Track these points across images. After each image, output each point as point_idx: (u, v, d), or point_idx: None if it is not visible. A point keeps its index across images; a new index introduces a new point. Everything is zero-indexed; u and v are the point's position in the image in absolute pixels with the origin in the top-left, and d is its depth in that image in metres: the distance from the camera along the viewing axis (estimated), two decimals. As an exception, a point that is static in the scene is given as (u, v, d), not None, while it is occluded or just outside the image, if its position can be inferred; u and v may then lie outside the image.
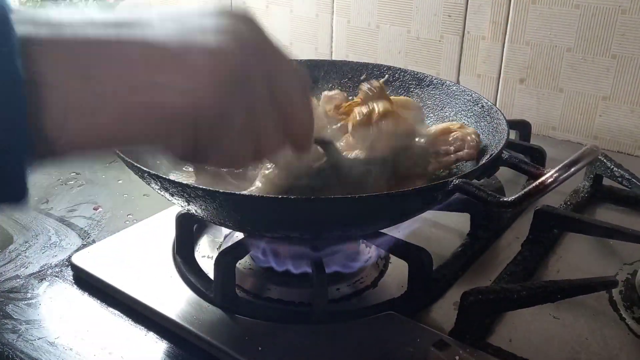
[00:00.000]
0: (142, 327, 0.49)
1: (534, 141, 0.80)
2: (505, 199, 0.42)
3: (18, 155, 0.26)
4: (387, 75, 0.73)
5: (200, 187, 0.42)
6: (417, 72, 0.71)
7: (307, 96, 0.38)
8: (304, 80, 0.38)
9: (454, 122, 0.61)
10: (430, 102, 0.68)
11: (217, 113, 0.31)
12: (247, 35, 0.33)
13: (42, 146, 0.27)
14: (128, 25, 0.30)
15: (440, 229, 0.63)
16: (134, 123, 0.30)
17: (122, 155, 0.47)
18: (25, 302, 0.51)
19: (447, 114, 0.66)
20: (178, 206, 0.50)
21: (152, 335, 0.48)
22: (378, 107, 0.57)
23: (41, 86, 0.26)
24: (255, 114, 0.33)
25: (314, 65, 0.74)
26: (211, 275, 0.52)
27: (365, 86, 0.60)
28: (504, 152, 0.51)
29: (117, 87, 0.29)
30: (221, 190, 0.42)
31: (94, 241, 0.61)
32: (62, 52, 0.27)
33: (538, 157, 0.73)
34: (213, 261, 0.49)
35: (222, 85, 0.31)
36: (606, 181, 0.71)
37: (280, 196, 0.42)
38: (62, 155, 0.29)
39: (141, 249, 0.57)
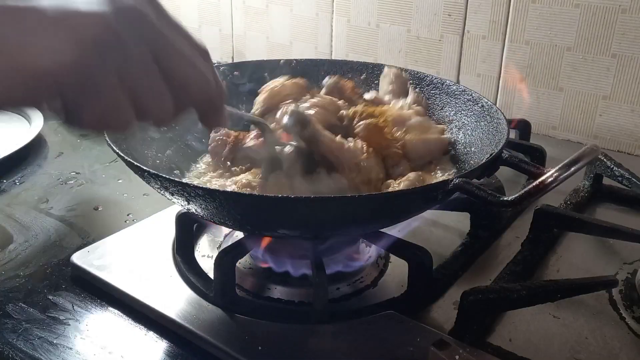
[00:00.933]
0: (142, 327, 0.49)
1: (534, 140, 0.80)
2: (505, 198, 0.42)
3: None
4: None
5: (200, 186, 0.42)
6: (417, 72, 0.71)
7: (204, 63, 0.38)
8: (198, 47, 0.38)
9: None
10: (430, 102, 0.68)
11: (82, 73, 0.31)
12: (128, 3, 0.33)
13: None
14: None
15: (440, 228, 0.63)
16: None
17: (122, 154, 0.47)
18: (25, 301, 0.51)
19: (447, 113, 0.66)
20: (178, 205, 0.50)
21: (152, 335, 0.48)
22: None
23: None
24: (129, 75, 0.33)
25: (314, 65, 0.74)
26: (211, 275, 0.52)
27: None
28: (504, 151, 0.51)
29: None
30: (221, 190, 0.42)
31: (93, 240, 0.61)
32: None
33: (538, 157, 0.73)
34: (213, 261, 0.49)
35: (87, 46, 0.31)
36: (606, 180, 0.71)
37: (280, 195, 0.42)
38: None
39: (141, 249, 0.57)
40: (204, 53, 0.38)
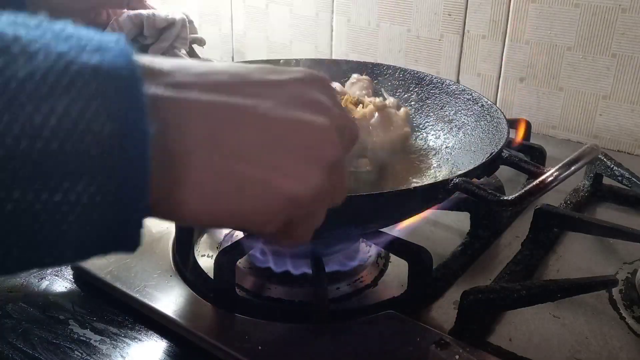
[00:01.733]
0: (142, 327, 0.49)
1: (534, 140, 0.80)
2: (505, 198, 0.42)
3: (141, 210, 0.26)
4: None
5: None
6: (417, 71, 0.71)
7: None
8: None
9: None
10: (430, 101, 0.68)
11: (317, 196, 0.30)
12: (335, 112, 0.32)
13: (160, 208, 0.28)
14: (235, 86, 0.29)
15: (440, 228, 0.63)
16: (251, 207, 0.29)
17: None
18: (25, 301, 0.51)
19: (447, 112, 0.66)
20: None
21: (152, 335, 0.48)
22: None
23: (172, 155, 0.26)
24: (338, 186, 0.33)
25: (314, 64, 0.74)
26: (211, 275, 0.52)
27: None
28: (504, 150, 0.51)
29: (241, 163, 0.28)
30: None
31: (93, 240, 0.61)
32: (194, 118, 0.27)
33: (538, 156, 0.73)
34: (213, 260, 0.49)
35: (326, 170, 0.30)
36: (606, 180, 0.71)
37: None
38: (173, 218, 0.30)
39: (141, 248, 0.57)
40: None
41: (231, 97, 0.28)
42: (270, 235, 0.32)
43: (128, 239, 0.27)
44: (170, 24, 0.86)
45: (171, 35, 0.86)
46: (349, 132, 0.34)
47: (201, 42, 0.91)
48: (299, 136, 0.30)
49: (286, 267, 0.53)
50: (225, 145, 0.27)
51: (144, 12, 0.85)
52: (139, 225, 0.27)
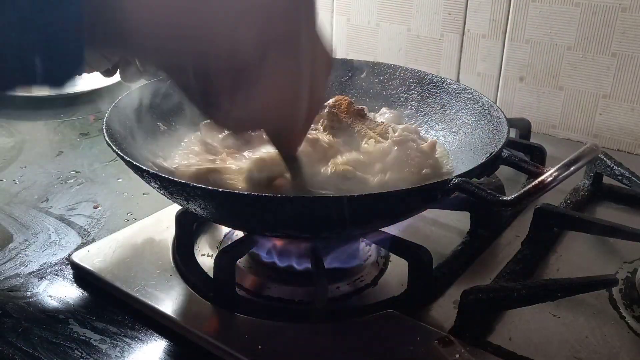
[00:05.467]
0: (142, 326, 0.49)
1: (534, 139, 0.80)
2: (504, 198, 0.42)
3: (74, 29, 0.27)
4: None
5: (200, 186, 0.42)
6: (418, 71, 0.71)
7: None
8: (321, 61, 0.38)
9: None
10: (430, 101, 0.68)
11: (250, 63, 0.31)
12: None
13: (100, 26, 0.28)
14: None
15: (440, 227, 0.63)
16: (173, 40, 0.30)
17: (121, 154, 0.47)
18: (25, 300, 0.51)
19: (447, 112, 0.66)
20: (178, 205, 0.50)
21: (152, 334, 0.48)
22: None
23: None
24: (286, 81, 0.33)
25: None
26: (211, 274, 0.51)
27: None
28: (504, 150, 0.51)
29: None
30: (220, 190, 0.42)
31: (93, 240, 0.61)
32: None
33: (538, 156, 0.73)
34: (213, 260, 0.49)
35: (266, 39, 0.31)
36: (606, 179, 0.71)
37: (279, 195, 0.42)
38: (114, 44, 0.30)
39: (141, 248, 0.57)
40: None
41: None
42: (199, 98, 0.32)
43: (69, 59, 0.28)
44: None
45: None
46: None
47: None
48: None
49: (290, 262, 0.53)
50: None
51: None
52: (80, 43, 0.27)
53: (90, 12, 0.27)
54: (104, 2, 0.28)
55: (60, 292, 0.53)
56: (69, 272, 0.56)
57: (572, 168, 0.42)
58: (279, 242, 0.54)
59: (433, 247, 0.52)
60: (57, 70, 0.28)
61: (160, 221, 0.62)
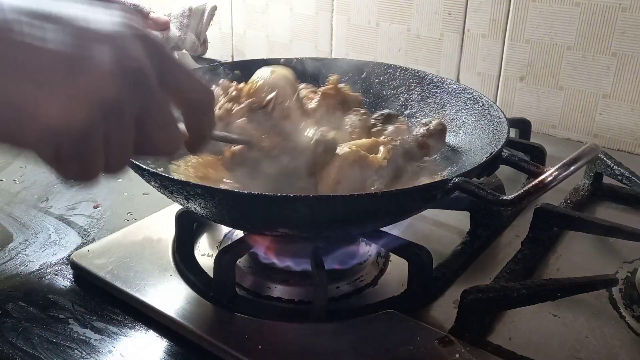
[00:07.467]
0: (142, 326, 0.49)
1: (534, 139, 0.80)
2: (504, 198, 0.42)
3: None
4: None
5: (200, 184, 0.42)
6: (418, 70, 0.71)
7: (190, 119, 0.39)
8: (194, 99, 0.38)
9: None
10: (430, 101, 0.68)
11: (79, 132, 0.32)
12: (136, 62, 0.33)
13: None
14: (33, 15, 0.31)
15: (440, 227, 0.63)
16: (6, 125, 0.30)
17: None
18: (25, 300, 0.51)
19: (447, 112, 0.66)
20: (178, 204, 0.50)
21: (152, 334, 0.48)
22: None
23: None
24: (112, 139, 0.34)
25: (313, 64, 0.74)
26: (211, 274, 0.52)
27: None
28: (504, 150, 0.51)
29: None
30: (220, 188, 0.42)
31: (93, 239, 0.61)
32: None
33: (538, 155, 0.73)
34: (213, 259, 0.49)
35: (94, 110, 0.31)
36: (606, 179, 0.71)
37: (279, 194, 0.42)
38: None
39: (141, 248, 0.57)
40: (199, 103, 0.39)
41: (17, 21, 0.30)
42: (50, 162, 0.33)
43: None
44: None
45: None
46: (172, 81, 0.35)
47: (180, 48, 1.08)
48: (65, 68, 0.30)
49: (288, 262, 0.53)
50: None
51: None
52: None
53: None
54: None
55: (60, 292, 0.53)
56: (69, 272, 0.56)
57: (572, 168, 0.42)
58: (278, 242, 0.54)
59: (433, 247, 0.52)
60: None
61: (160, 221, 0.62)
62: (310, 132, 0.54)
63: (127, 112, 0.33)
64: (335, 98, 0.62)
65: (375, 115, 0.65)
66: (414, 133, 0.60)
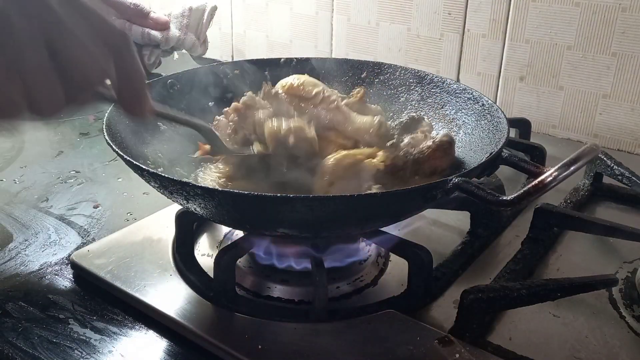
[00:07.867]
0: (142, 326, 0.49)
1: (534, 139, 0.80)
2: (504, 198, 0.42)
3: None
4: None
5: (199, 185, 0.42)
6: (418, 70, 0.71)
7: (104, 47, 0.36)
8: (106, 32, 0.36)
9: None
10: (430, 100, 0.68)
11: None
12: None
13: None
14: None
15: (440, 227, 0.63)
16: None
17: (121, 153, 0.47)
18: (25, 300, 0.51)
19: (447, 112, 0.66)
20: (178, 204, 0.50)
21: (152, 334, 0.48)
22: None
23: None
24: (16, 63, 0.32)
25: (313, 63, 0.74)
26: (211, 274, 0.51)
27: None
28: (504, 150, 0.51)
29: None
30: (220, 189, 0.42)
31: (93, 239, 0.61)
32: None
33: (538, 156, 0.73)
34: (213, 259, 0.49)
35: None
36: (606, 179, 0.71)
37: (279, 195, 0.42)
38: None
39: (141, 248, 0.57)
40: (115, 38, 0.37)
41: None
42: None
43: None
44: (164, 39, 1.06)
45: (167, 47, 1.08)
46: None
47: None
48: None
49: (289, 262, 0.53)
50: None
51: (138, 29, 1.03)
52: None
53: None
54: None
55: (60, 292, 0.53)
56: (69, 272, 0.56)
57: (572, 168, 0.42)
58: (278, 242, 0.54)
59: (433, 247, 0.52)
60: None
61: (160, 221, 0.62)
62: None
63: (21, 33, 0.31)
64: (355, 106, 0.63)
65: (395, 124, 0.64)
66: (420, 146, 0.57)
